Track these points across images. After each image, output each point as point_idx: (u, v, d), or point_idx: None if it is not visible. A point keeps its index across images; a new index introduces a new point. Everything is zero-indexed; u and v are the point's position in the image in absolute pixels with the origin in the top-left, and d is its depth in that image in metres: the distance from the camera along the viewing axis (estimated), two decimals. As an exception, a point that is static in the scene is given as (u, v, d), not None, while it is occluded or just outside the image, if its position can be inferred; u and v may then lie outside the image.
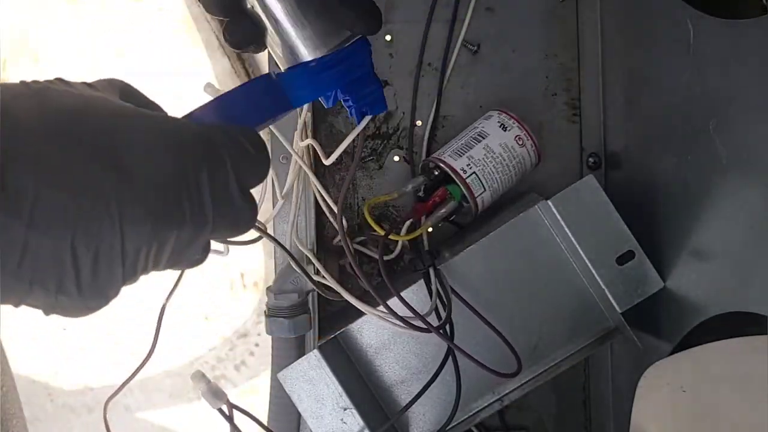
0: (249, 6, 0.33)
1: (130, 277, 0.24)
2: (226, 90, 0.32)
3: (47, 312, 0.24)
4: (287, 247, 0.54)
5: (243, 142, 0.28)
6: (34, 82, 0.26)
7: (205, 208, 0.25)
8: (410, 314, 0.47)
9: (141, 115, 0.26)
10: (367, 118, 0.37)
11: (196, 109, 0.31)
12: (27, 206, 0.21)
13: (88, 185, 0.22)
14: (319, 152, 0.49)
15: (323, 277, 0.51)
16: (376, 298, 0.47)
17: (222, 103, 0.31)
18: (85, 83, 0.27)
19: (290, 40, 0.33)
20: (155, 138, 0.25)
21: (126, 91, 0.30)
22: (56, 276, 0.22)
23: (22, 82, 0.25)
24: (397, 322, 0.47)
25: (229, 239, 0.29)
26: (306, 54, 0.33)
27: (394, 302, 0.47)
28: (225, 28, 0.33)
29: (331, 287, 0.51)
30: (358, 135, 0.38)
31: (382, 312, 0.47)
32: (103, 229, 0.22)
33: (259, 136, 0.29)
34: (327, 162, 0.44)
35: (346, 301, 0.49)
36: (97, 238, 0.22)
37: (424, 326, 0.46)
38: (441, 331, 0.47)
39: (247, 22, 0.33)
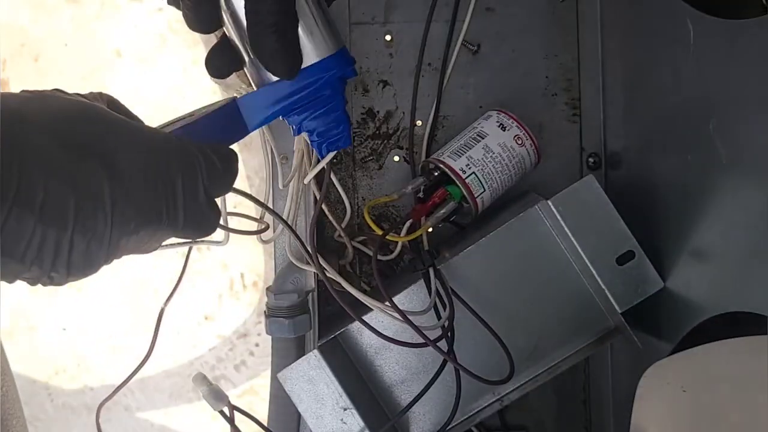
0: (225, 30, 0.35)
1: (109, 261, 0.28)
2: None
3: (34, 284, 0.27)
4: (287, 247, 0.53)
5: (213, 158, 0.31)
6: (35, 91, 0.29)
7: (178, 211, 0.29)
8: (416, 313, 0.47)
9: (129, 123, 0.29)
10: (332, 153, 0.38)
11: (164, 127, 0.33)
12: (38, 202, 0.24)
13: (88, 184, 0.26)
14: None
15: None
16: (382, 291, 0.47)
17: (188, 129, 0.33)
18: (78, 94, 0.31)
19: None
20: (142, 144, 0.29)
21: (113, 103, 0.33)
22: (53, 259, 0.25)
23: (24, 91, 0.29)
24: (398, 316, 0.47)
25: (196, 239, 0.33)
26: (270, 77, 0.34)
27: (399, 298, 0.47)
28: (206, 62, 0.36)
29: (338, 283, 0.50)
30: (325, 165, 0.42)
31: (388, 307, 0.47)
32: (98, 223, 0.26)
33: (229, 152, 0.33)
34: (305, 181, 0.48)
35: (349, 299, 0.49)
36: (92, 230, 0.26)
37: (425, 329, 0.47)
38: (442, 329, 0.47)
39: (227, 51, 0.35)
